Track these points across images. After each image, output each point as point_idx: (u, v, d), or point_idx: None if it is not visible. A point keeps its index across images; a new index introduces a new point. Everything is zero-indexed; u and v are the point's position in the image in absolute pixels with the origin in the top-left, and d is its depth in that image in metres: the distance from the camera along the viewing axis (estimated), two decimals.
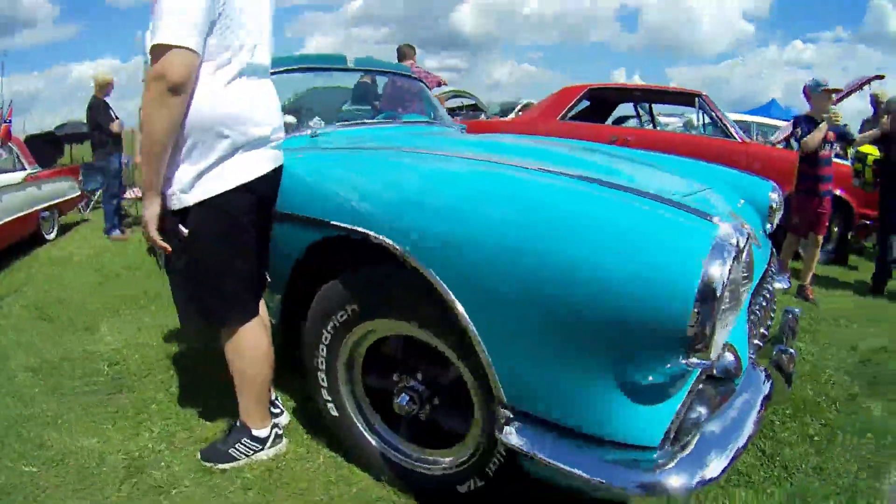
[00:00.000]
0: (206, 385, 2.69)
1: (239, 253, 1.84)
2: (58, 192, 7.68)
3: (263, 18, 1.84)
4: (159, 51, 1.54)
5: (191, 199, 1.74)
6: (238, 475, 2.00)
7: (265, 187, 1.86)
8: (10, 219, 6.43)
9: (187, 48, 1.55)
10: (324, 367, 1.87)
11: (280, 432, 2.11)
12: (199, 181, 1.73)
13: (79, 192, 8.19)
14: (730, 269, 1.14)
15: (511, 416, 1.38)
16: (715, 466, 1.21)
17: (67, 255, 6.60)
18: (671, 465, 1.20)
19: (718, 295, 1.12)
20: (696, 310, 1.11)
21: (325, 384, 1.90)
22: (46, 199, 7.38)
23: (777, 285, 2.29)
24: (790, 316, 1.87)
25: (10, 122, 7.50)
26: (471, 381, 1.58)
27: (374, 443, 1.90)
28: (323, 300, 1.80)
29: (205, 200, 1.74)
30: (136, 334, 3.58)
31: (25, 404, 2.73)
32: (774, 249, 2.53)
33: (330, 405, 1.92)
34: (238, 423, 2.06)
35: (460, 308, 1.38)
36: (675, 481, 1.17)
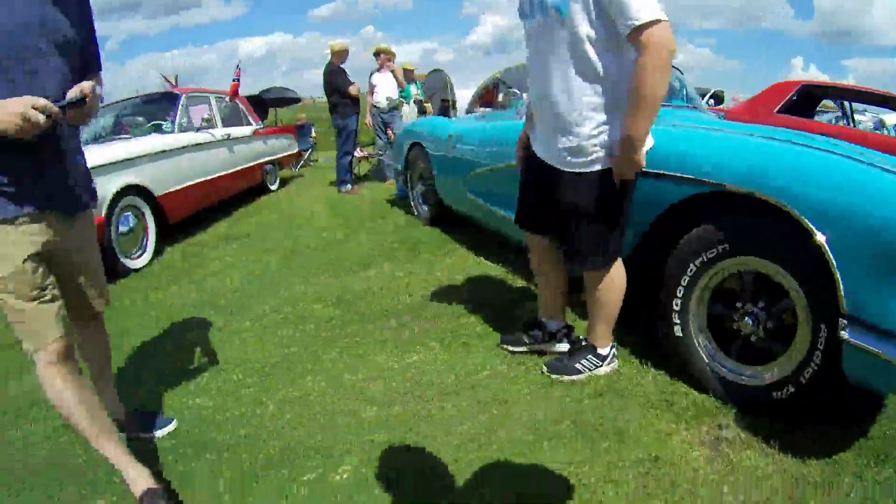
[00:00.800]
0: (509, 318, 3.09)
1: (629, 203, 2.24)
2: (279, 148, 8.59)
3: None
4: (652, 25, 1.80)
5: None
6: (584, 386, 2.40)
7: None
8: (242, 167, 7.29)
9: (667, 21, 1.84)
10: (681, 293, 2.31)
11: (616, 353, 2.55)
12: None
13: (296, 150, 9.13)
14: None
15: (847, 322, 1.81)
16: None
17: (301, 204, 7.27)
18: None
19: None
20: None
21: (677, 308, 2.33)
22: (270, 153, 8.28)
23: None
24: None
25: (239, 80, 8.22)
26: (802, 306, 2.01)
27: (706, 360, 2.31)
28: (696, 239, 2.23)
29: None
30: (418, 274, 3.98)
31: (332, 329, 3.18)
32: None
33: (677, 326, 2.35)
34: (584, 342, 2.52)
35: (824, 244, 1.83)
36: None
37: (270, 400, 2.51)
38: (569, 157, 2.16)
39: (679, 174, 2.30)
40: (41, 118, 1.55)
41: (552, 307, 2.68)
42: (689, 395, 2.31)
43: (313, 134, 11.14)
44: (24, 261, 1.73)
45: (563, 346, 2.67)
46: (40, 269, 1.78)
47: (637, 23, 1.82)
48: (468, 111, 9.60)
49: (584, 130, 2.09)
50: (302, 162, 10.45)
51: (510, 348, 2.72)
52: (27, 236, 1.74)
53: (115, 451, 1.89)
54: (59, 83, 1.74)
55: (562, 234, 2.35)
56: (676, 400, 2.28)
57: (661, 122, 2.65)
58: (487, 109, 5.79)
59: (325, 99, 7.85)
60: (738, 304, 2.24)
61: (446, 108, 10.38)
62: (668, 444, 2.03)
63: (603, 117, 2.07)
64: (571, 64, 2.02)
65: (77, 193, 1.93)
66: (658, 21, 1.81)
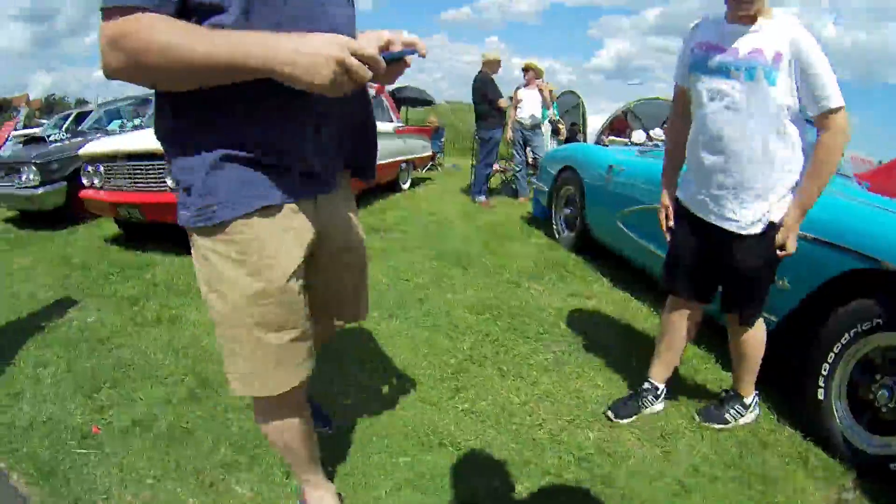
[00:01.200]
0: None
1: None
2: (416, 148, 8.81)
3: None
4: (840, 109, 2.00)
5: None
6: (731, 433, 2.56)
7: None
8: (381, 162, 7.55)
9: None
10: (831, 360, 2.46)
11: (757, 402, 2.69)
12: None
13: (430, 152, 9.40)
14: None
15: None
16: None
17: (435, 209, 7.39)
18: None
19: None
20: None
21: (824, 373, 2.49)
22: (408, 151, 8.50)
23: None
24: None
25: None
26: None
27: (839, 424, 2.45)
28: (855, 310, 2.39)
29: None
30: (568, 301, 4.06)
31: (489, 344, 3.26)
32: None
33: (820, 389, 2.50)
34: (732, 393, 2.67)
35: None
36: None
37: (436, 412, 2.61)
38: (752, 221, 2.22)
39: (846, 246, 2.46)
40: (368, 73, 1.04)
41: (666, 369, 2.72)
42: (818, 454, 2.46)
43: (443, 138, 11.45)
44: (292, 275, 1.25)
45: (659, 406, 2.74)
46: (302, 286, 1.31)
47: (831, 107, 2.03)
48: (598, 139, 9.74)
49: (774, 196, 2.18)
50: (430, 164, 10.74)
51: (624, 422, 2.63)
52: (294, 235, 1.25)
53: (315, 476, 1.80)
54: (352, 27, 1.32)
55: (727, 293, 2.48)
56: (810, 457, 2.43)
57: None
58: (621, 139, 5.89)
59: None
60: (878, 376, 2.38)
61: (575, 131, 10.52)
62: (804, 499, 2.20)
63: (791, 184, 2.19)
64: (772, 130, 2.11)
65: (358, 164, 1.54)
66: (843, 107, 2.03)
